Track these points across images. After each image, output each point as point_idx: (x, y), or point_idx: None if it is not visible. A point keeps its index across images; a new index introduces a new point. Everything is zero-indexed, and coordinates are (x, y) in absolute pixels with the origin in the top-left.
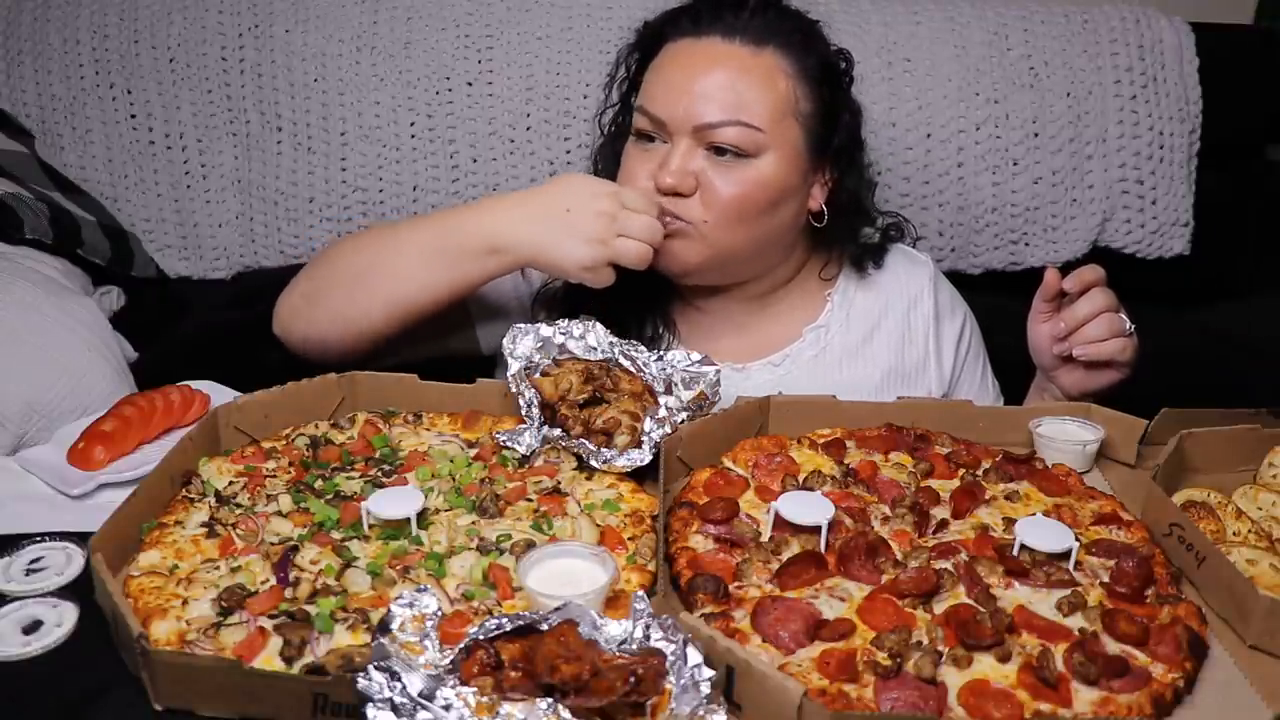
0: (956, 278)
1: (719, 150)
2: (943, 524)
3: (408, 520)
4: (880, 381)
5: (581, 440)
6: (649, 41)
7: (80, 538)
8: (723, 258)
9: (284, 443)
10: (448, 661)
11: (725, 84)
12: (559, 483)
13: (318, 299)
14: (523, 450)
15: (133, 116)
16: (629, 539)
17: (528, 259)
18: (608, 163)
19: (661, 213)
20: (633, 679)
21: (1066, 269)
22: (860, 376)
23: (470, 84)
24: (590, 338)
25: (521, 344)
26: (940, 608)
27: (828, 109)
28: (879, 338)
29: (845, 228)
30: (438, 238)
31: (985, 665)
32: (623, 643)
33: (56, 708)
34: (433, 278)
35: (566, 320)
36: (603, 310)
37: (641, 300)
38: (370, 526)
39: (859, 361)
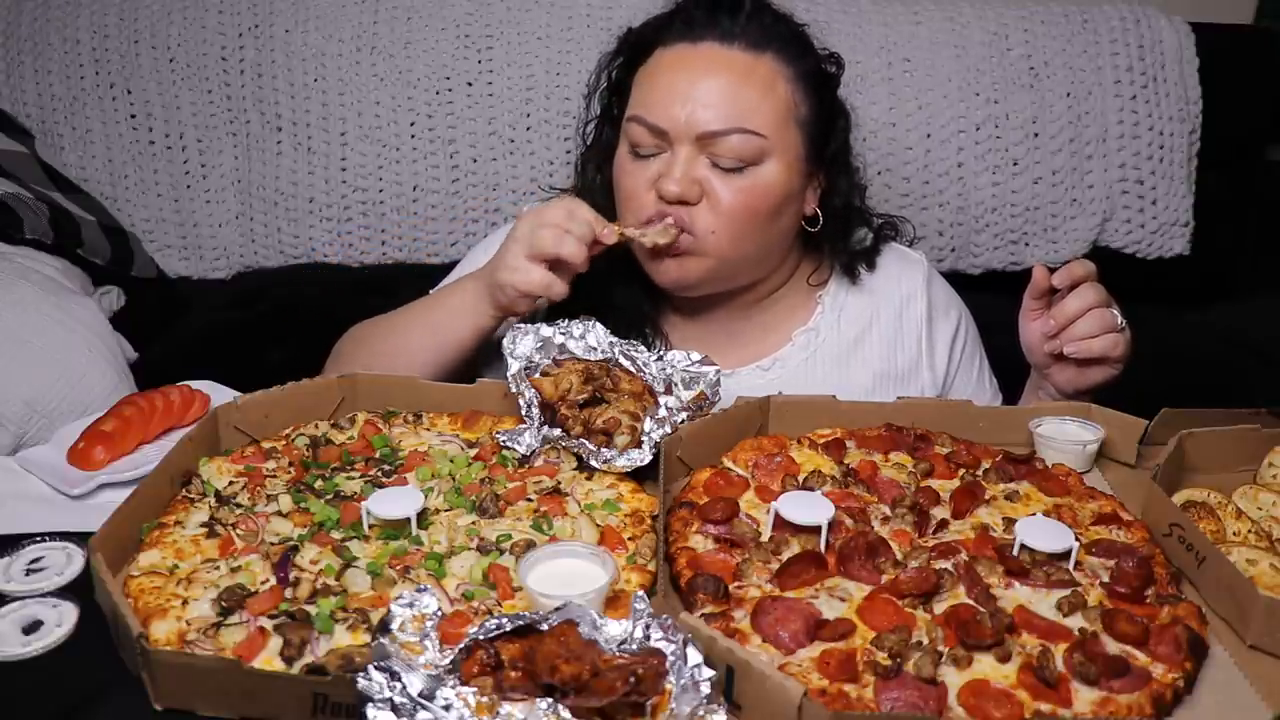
0: (956, 278)
1: (721, 161)
2: (943, 524)
3: (408, 520)
4: (872, 384)
5: (581, 440)
6: (637, 49)
7: (80, 538)
8: (726, 269)
9: (284, 443)
10: (448, 661)
11: (727, 91)
12: (559, 483)
13: None
14: (523, 450)
15: (133, 116)
16: (629, 539)
17: (489, 295)
18: (591, 176)
19: (665, 218)
20: (633, 679)
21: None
22: (851, 379)
23: (470, 84)
24: (590, 338)
25: (521, 344)
26: (940, 608)
27: (825, 113)
28: (870, 340)
29: (838, 231)
30: (428, 311)
31: (985, 665)
32: (623, 643)
33: (56, 708)
34: (438, 348)
35: (566, 320)
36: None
37: (630, 311)
38: (370, 526)
39: (850, 364)
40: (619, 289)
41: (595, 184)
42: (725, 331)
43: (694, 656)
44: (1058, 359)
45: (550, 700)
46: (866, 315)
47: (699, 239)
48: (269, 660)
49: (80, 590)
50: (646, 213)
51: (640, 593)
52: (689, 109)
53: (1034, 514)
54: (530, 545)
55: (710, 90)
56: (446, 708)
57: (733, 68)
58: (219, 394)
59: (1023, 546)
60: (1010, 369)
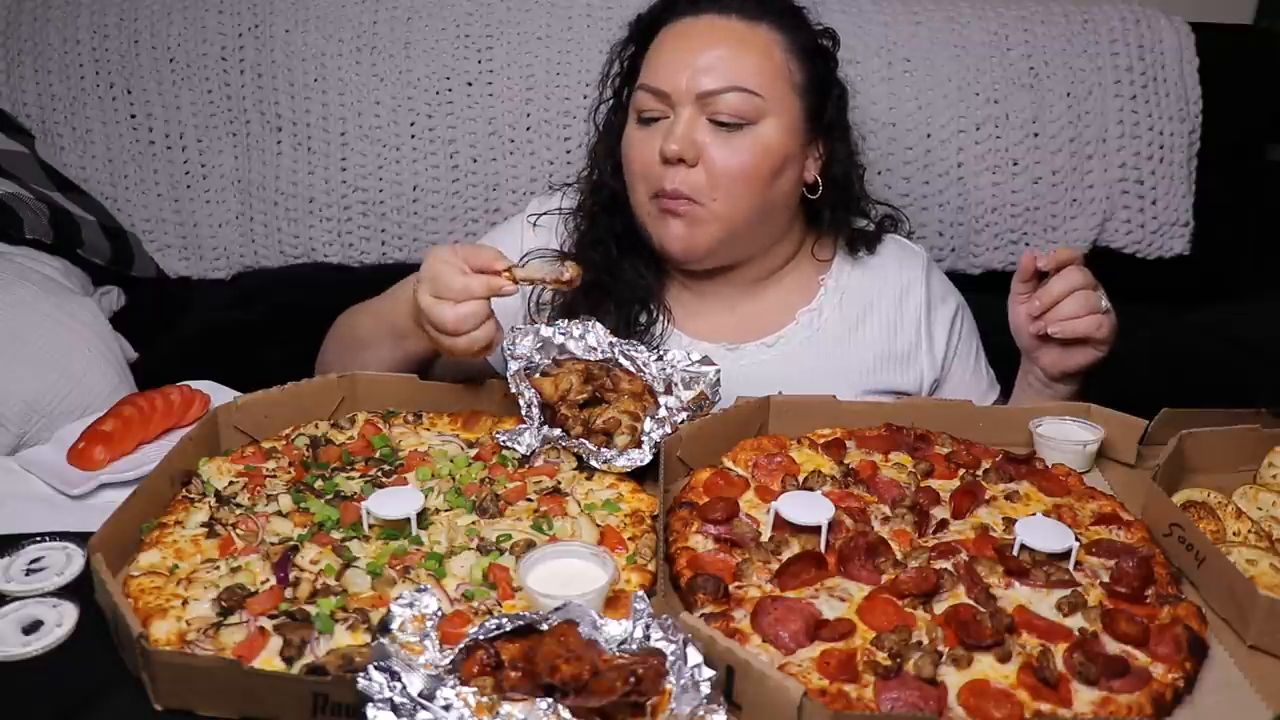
0: (956, 278)
1: (721, 122)
2: (943, 524)
3: (408, 520)
4: (873, 364)
5: (581, 440)
6: (644, 31)
7: (80, 538)
8: (730, 234)
9: (284, 443)
10: (448, 661)
11: (725, 55)
12: (559, 483)
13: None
14: (523, 450)
15: (133, 116)
16: (629, 539)
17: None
18: (603, 158)
19: (667, 195)
20: (633, 679)
21: None
22: (852, 359)
23: (470, 84)
24: (590, 338)
25: (521, 344)
26: (940, 608)
27: (820, 83)
28: (871, 322)
29: (839, 201)
30: (379, 319)
31: (985, 665)
32: (623, 643)
33: (56, 708)
34: (393, 356)
35: (566, 320)
36: (597, 297)
37: (635, 285)
38: (370, 526)
39: (851, 345)
40: (625, 263)
41: (606, 167)
42: (729, 308)
43: (694, 656)
44: (1043, 340)
45: (550, 700)
46: (868, 298)
47: (705, 205)
48: (269, 660)
49: (80, 590)
50: (654, 179)
51: (640, 593)
52: (689, 73)
53: (1034, 514)
54: (530, 545)
55: (710, 56)
56: (446, 708)
57: (730, 35)
58: (219, 394)
59: (1023, 546)
60: (1010, 368)
